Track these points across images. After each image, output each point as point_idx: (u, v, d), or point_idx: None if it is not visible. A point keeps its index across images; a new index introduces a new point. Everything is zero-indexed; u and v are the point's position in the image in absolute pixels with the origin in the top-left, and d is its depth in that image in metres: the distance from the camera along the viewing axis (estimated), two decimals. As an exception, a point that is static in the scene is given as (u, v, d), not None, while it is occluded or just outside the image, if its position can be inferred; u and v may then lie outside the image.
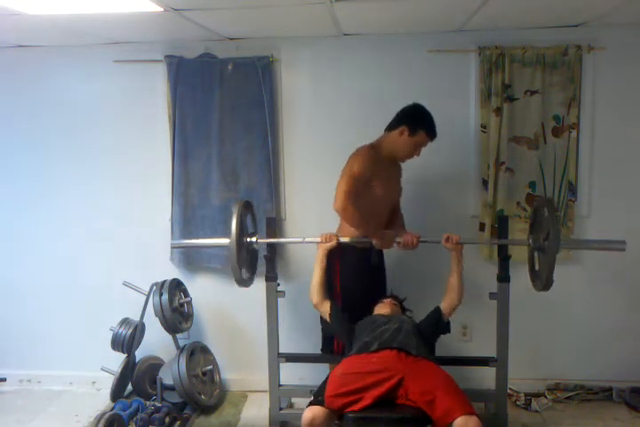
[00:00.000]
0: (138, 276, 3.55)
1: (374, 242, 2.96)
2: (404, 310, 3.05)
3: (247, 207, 3.01)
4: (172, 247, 3.52)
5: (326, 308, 2.91)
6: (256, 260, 3.17)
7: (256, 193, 3.51)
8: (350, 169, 2.87)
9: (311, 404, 2.43)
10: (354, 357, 2.63)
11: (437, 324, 2.83)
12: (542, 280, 2.74)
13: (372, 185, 2.94)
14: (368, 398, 2.38)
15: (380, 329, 2.71)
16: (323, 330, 3.14)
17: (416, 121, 2.93)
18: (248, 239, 2.97)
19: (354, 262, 3.08)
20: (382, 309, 2.93)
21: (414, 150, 2.98)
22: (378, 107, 3.34)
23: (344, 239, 2.97)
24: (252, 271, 3.12)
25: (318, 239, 2.96)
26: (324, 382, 2.53)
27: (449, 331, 2.88)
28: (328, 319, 2.91)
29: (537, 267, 2.89)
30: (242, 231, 2.86)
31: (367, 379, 2.43)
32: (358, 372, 2.48)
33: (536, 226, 2.88)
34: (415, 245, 2.95)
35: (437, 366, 2.58)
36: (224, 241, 2.81)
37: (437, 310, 2.85)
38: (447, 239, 2.87)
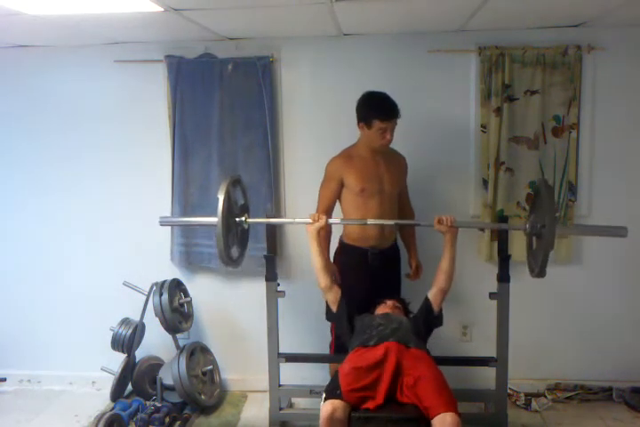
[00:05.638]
0: (138, 276, 3.54)
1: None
2: (407, 314, 3.02)
3: (235, 183, 2.92)
4: (161, 225, 3.22)
5: (336, 294, 2.87)
6: (247, 237, 3.07)
7: (256, 192, 3.50)
8: (325, 174, 3.09)
9: (328, 398, 2.46)
10: (357, 350, 2.65)
11: (428, 316, 2.80)
12: (537, 266, 2.61)
13: (348, 181, 3.02)
14: (379, 397, 2.46)
15: (379, 328, 2.72)
16: (328, 319, 3.02)
17: (364, 114, 2.93)
18: (237, 219, 2.88)
19: (352, 264, 3.10)
20: (383, 310, 2.92)
21: (382, 138, 2.93)
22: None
23: (333, 220, 2.92)
24: (242, 249, 3.02)
25: (308, 220, 2.89)
26: (336, 378, 2.54)
27: (441, 324, 2.85)
28: (335, 307, 2.87)
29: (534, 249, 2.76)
30: (229, 211, 2.79)
31: (374, 372, 2.50)
32: (366, 366, 2.51)
33: (535, 210, 2.76)
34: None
35: (432, 361, 2.61)
36: (213, 220, 2.71)
37: (426, 300, 2.83)
38: (439, 221, 2.80)
